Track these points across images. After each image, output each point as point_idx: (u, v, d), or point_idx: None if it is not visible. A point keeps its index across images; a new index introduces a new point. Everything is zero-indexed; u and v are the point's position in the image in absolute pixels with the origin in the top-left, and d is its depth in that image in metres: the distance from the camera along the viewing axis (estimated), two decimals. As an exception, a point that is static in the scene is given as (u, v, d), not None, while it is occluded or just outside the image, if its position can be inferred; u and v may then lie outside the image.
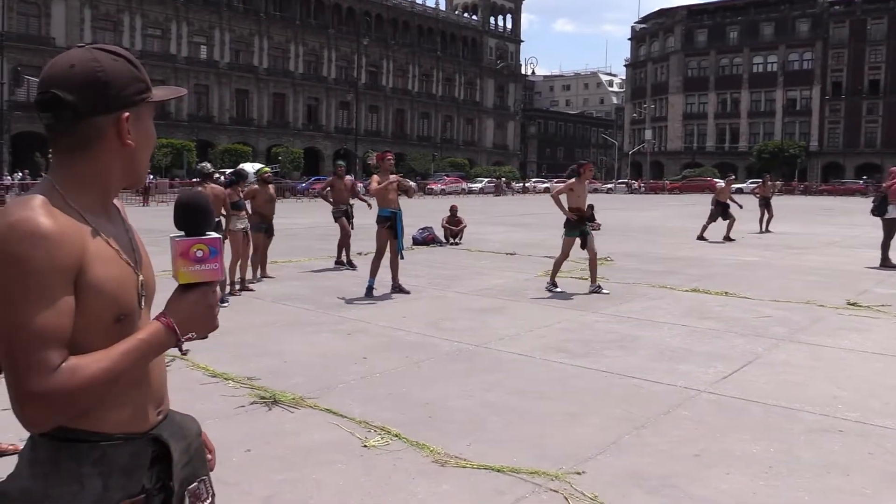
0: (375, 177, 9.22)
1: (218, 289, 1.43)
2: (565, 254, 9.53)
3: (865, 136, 78.44)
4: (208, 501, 1.51)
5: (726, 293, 9.34)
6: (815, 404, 4.81)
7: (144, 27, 57.67)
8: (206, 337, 1.38)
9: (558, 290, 9.35)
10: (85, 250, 1.26)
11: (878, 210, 12.58)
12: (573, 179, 9.60)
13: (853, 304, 8.55)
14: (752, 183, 66.13)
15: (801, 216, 28.09)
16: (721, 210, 17.80)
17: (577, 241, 9.53)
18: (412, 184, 10.18)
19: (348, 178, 12.21)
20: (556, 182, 67.99)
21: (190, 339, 1.34)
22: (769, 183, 21.26)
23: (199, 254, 1.32)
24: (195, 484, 1.46)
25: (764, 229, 19.73)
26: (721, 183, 20.46)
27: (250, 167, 43.36)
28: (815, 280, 10.68)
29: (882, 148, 75.95)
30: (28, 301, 1.19)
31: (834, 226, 23.35)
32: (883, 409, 4.72)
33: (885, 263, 12.21)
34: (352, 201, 11.84)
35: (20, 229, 1.20)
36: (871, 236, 14.22)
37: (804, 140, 79.60)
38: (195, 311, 1.33)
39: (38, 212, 1.22)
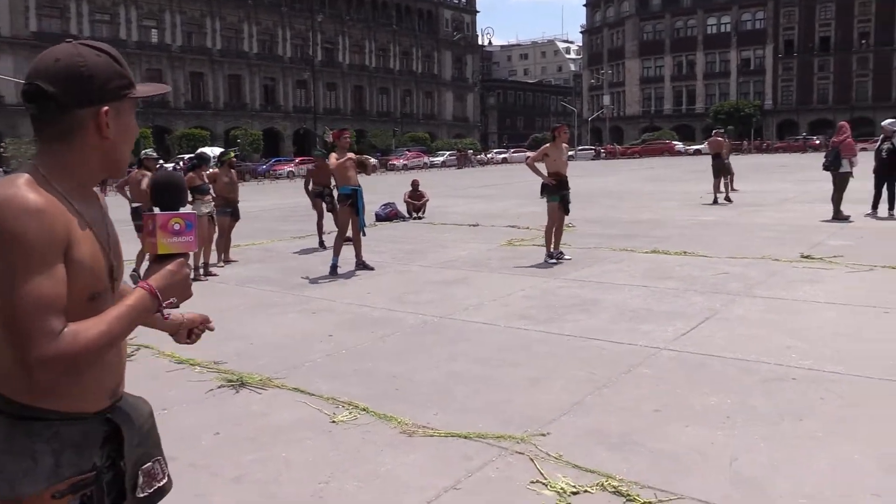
0: (333, 154, 9.17)
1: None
2: (553, 220, 9.23)
3: (818, 93, 79.80)
4: (164, 481, 1.55)
5: (685, 253, 9.52)
6: (770, 355, 4.96)
7: (92, 13, 56.08)
8: (177, 306, 1.47)
9: (554, 261, 9.15)
10: (70, 227, 1.32)
11: (833, 165, 12.88)
12: (548, 144, 9.35)
13: (807, 257, 8.78)
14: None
15: (757, 174, 28.58)
16: (721, 164, 17.00)
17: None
18: (372, 160, 10.11)
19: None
20: (513, 152, 68.21)
21: (171, 305, 1.44)
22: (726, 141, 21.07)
23: (177, 227, 1.43)
24: (150, 464, 1.51)
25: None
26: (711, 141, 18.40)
27: (210, 151, 42.66)
28: (770, 236, 10.93)
29: (834, 104, 77.36)
30: (29, 272, 1.25)
31: (789, 182, 23.83)
32: (834, 357, 4.89)
33: (837, 216, 12.54)
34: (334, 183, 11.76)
35: (12, 206, 1.26)
36: (823, 190, 14.55)
37: (759, 99, 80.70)
38: (173, 279, 1.42)
39: (25, 189, 1.29)
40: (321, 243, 11.67)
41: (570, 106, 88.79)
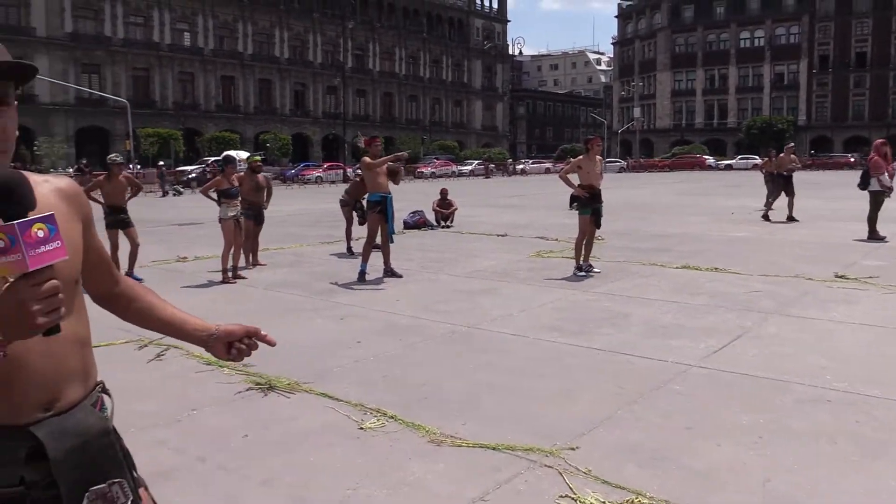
0: (366, 158, 9.18)
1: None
2: (583, 233, 9.15)
3: (853, 110, 78.66)
4: None
5: (716, 269, 9.41)
6: (804, 375, 4.88)
7: (126, 14, 57.09)
8: (32, 334, 1.20)
9: (583, 273, 9.08)
10: None
11: (863, 183, 12.76)
12: (581, 157, 9.30)
13: (841, 277, 8.63)
14: (741, 159, 66.63)
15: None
16: (784, 183, 16.43)
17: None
18: (401, 168, 10.08)
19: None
20: (532, 164, 68.29)
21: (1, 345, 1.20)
22: (773, 159, 20.57)
23: (1, 244, 1.14)
24: (103, 486, 1.41)
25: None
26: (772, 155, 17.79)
27: (236, 154, 43.07)
28: (803, 254, 10.77)
29: (870, 121, 76.18)
30: None
31: (822, 199, 23.46)
32: (870, 379, 4.80)
33: (873, 235, 12.32)
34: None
35: None
36: (858, 209, 14.32)
37: (792, 115, 79.72)
38: (2, 311, 1.17)
39: None
40: (349, 249, 11.72)
41: (599, 118, 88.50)
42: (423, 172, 55.80)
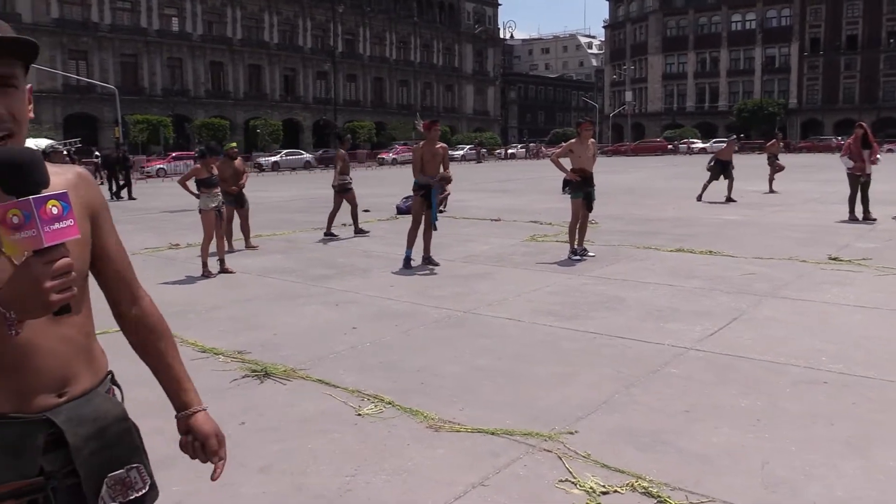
0: (422, 142, 8.94)
1: None
2: (576, 217, 9.15)
3: (844, 92, 78.70)
4: (143, 490, 1.46)
5: (710, 252, 9.42)
6: (800, 357, 4.89)
7: (113, 0, 56.31)
8: (17, 320, 1.18)
9: (577, 257, 9.05)
10: None
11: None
12: (572, 140, 9.31)
13: (835, 259, 8.66)
14: (715, 143, 66.64)
15: (781, 174, 28.19)
16: (721, 169, 17.26)
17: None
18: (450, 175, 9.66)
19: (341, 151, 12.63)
20: (520, 147, 68.03)
21: (9, 320, 1.17)
22: (779, 143, 21.22)
23: (16, 220, 1.13)
24: (121, 472, 1.42)
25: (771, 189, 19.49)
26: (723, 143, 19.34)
27: (52, 145, 40.21)
28: (797, 236, 10.79)
29: (860, 104, 76.28)
30: None
31: (813, 182, 23.53)
32: (865, 360, 4.81)
33: (851, 216, 12.50)
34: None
35: None
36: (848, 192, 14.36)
37: (783, 98, 79.75)
38: (15, 287, 1.15)
39: None
40: (330, 233, 12.06)
41: (591, 101, 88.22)
42: (384, 159, 53.06)
